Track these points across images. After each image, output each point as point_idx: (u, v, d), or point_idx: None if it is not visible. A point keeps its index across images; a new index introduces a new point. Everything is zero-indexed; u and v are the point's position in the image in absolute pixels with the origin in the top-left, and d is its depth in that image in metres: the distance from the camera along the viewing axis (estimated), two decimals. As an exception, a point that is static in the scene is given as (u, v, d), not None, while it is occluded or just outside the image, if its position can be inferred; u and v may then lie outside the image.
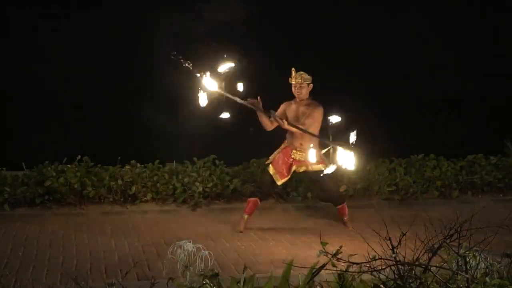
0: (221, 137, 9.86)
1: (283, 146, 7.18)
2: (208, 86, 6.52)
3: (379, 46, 11.37)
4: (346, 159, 6.51)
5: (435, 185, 8.85)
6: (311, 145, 6.84)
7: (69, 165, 8.13)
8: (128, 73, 10.79)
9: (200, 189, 8.14)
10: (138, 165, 8.36)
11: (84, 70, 10.69)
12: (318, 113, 6.93)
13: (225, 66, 6.55)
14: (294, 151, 7.04)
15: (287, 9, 11.10)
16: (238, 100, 6.65)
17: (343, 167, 6.56)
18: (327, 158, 6.73)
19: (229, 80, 6.60)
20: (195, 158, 8.61)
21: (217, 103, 6.64)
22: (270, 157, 7.22)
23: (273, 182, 7.12)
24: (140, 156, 8.53)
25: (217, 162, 8.64)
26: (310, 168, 6.95)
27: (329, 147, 6.66)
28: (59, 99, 10.67)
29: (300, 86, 6.95)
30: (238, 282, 3.55)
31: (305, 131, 6.82)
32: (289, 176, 7.09)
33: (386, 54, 11.26)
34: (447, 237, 3.27)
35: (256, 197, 7.18)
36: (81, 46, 10.70)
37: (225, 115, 6.72)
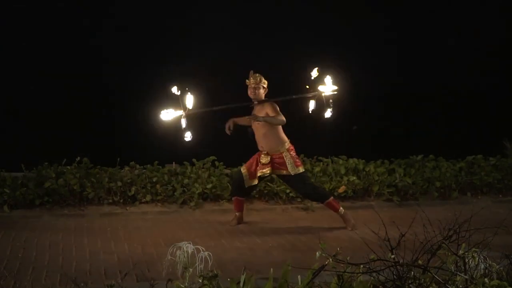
0: (220, 139, 9.86)
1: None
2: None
3: (376, 46, 11.38)
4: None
5: (434, 186, 8.85)
6: (276, 147, 7.08)
7: (68, 167, 8.14)
8: (127, 74, 10.80)
9: (200, 190, 8.15)
10: (138, 166, 8.36)
11: (84, 72, 10.70)
12: (269, 108, 7.00)
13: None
14: (262, 155, 7.18)
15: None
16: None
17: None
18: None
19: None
20: (194, 160, 8.62)
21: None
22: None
23: (242, 182, 7.24)
24: (140, 157, 8.54)
25: (216, 163, 8.65)
26: (275, 172, 7.17)
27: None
28: (59, 100, 10.69)
29: (255, 87, 7.09)
30: (238, 283, 3.55)
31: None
32: (256, 180, 7.23)
33: (385, 54, 11.27)
34: (446, 238, 3.28)
35: (235, 196, 7.42)
36: (80, 47, 10.71)
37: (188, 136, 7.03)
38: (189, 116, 6.98)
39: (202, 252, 3.54)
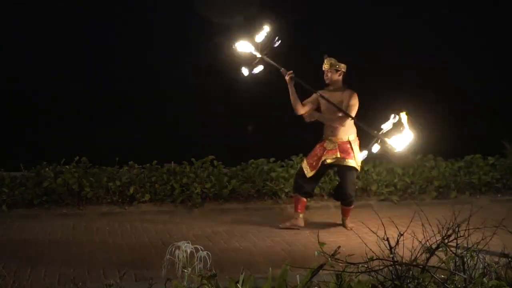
0: (220, 138, 9.86)
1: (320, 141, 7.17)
2: (245, 49, 6.68)
3: (375, 46, 11.37)
4: (392, 141, 6.47)
5: (433, 185, 8.87)
6: (345, 135, 6.95)
7: (67, 166, 8.15)
8: (125, 74, 10.80)
9: (198, 189, 8.14)
10: (136, 165, 8.36)
11: (82, 71, 10.69)
12: (355, 99, 6.93)
13: (262, 34, 6.69)
14: (326, 141, 7.06)
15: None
16: (276, 65, 6.76)
17: (393, 147, 6.45)
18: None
19: (267, 47, 6.72)
20: (193, 159, 8.62)
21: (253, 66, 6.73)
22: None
23: (304, 175, 7.15)
24: (138, 157, 8.54)
25: (215, 162, 8.65)
26: (340, 161, 6.96)
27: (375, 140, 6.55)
28: (57, 100, 10.68)
29: (328, 71, 7.01)
30: (236, 282, 3.55)
31: (341, 110, 6.84)
32: (317, 168, 7.06)
33: (385, 54, 11.28)
34: (445, 237, 3.28)
35: (296, 193, 7.30)
36: (76, 47, 10.70)
37: (259, 68, 6.72)
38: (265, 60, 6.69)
39: (201, 251, 3.54)
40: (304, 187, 7.22)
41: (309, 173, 7.11)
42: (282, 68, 6.86)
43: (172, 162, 8.63)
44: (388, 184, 8.72)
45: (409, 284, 3.10)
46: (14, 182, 7.87)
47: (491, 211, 7.69)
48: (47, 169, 8.04)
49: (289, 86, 6.90)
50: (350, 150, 6.99)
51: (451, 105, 11.72)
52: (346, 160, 6.97)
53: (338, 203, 7.38)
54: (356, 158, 6.96)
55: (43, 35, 10.51)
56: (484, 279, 3.11)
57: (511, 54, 11.81)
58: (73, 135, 10.14)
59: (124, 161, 8.40)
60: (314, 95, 7.07)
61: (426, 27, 11.56)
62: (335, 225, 7.36)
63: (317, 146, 7.18)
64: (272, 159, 8.79)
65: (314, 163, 7.11)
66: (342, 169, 7.07)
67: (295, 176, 7.48)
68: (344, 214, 7.32)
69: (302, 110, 7.05)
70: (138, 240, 6.57)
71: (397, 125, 6.44)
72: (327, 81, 7.09)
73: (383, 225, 3.51)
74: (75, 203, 7.88)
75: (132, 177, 8.15)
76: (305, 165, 7.17)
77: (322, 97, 6.96)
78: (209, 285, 3.40)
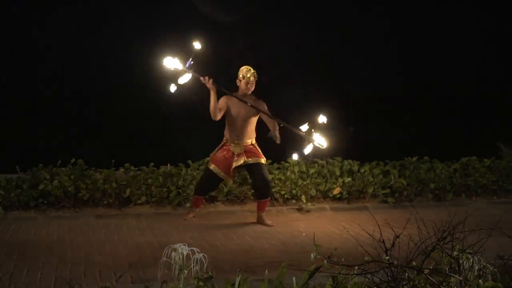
0: (216, 140, 9.84)
1: (221, 143, 7.46)
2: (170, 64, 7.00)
3: (372, 48, 11.40)
4: (319, 139, 6.90)
5: (429, 187, 8.87)
6: (249, 139, 7.35)
7: (63, 168, 8.14)
8: (122, 75, 10.80)
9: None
10: (133, 168, 8.36)
11: (79, 73, 10.70)
12: (265, 105, 7.34)
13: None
14: (232, 145, 7.35)
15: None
16: (196, 75, 7.07)
17: (318, 145, 6.92)
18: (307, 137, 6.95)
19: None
20: (189, 161, 8.61)
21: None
22: (210, 155, 7.60)
23: (215, 181, 7.43)
24: (134, 159, 8.53)
25: (211, 165, 8.64)
26: (249, 161, 7.29)
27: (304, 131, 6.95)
28: (54, 102, 10.68)
29: (254, 83, 7.32)
30: (233, 284, 3.56)
31: (270, 117, 7.20)
32: (232, 174, 7.42)
33: (380, 57, 11.31)
34: (441, 239, 3.29)
35: (199, 194, 7.63)
36: (74, 49, 10.70)
37: (173, 88, 7.05)
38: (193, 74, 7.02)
39: (197, 253, 3.54)
40: (210, 190, 7.79)
41: (224, 176, 7.36)
42: (202, 77, 7.10)
43: (169, 164, 8.62)
44: (384, 186, 8.73)
45: (405, 286, 3.11)
46: (10, 184, 7.86)
47: (486, 213, 7.72)
48: (43, 171, 8.03)
49: (211, 93, 7.14)
50: (256, 151, 7.38)
51: (447, 108, 11.76)
52: (259, 159, 7.34)
53: (335, 205, 7.40)
54: (263, 157, 7.40)
55: (38, 37, 10.50)
56: (480, 280, 3.12)
57: (509, 56, 11.85)
58: (69, 137, 10.15)
59: (120, 163, 8.39)
60: (221, 102, 7.27)
61: (423, 24, 11.59)
62: (331, 227, 7.37)
63: (222, 151, 7.40)
64: (268, 162, 8.80)
65: (228, 169, 7.33)
66: (256, 167, 7.32)
67: (201, 179, 7.62)
68: (261, 208, 7.49)
69: (219, 116, 7.26)
70: (134, 242, 6.56)
71: (315, 126, 6.93)
72: (248, 91, 7.31)
73: (379, 227, 3.52)
74: (71, 205, 7.87)
75: (128, 179, 8.14)
76: (217, 171, 7.32)
77: (252, 105, 7.22)
78: (205, 287, 3.40)
